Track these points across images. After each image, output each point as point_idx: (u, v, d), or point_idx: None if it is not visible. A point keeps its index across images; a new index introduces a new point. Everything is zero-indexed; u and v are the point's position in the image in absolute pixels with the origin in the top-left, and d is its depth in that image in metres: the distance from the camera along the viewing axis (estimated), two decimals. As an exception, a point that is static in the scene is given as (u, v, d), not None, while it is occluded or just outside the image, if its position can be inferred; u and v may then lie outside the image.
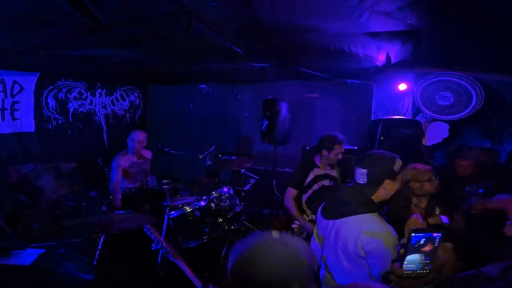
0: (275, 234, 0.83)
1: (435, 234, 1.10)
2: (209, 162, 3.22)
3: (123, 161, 3.53)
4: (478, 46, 2.20)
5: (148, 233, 1.53)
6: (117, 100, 5.02)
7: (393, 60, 2.78)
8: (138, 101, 5.29)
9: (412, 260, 1.11)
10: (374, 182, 1.57)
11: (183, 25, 2.02)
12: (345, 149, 3.06)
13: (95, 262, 2.41)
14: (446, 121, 2.70)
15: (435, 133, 2.83)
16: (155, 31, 2.26)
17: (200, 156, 3.23)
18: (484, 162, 2.76)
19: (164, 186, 2.94)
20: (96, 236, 2.60)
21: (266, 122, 4.13)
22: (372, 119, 4.19)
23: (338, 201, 1.65)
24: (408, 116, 3.38)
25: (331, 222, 1.64)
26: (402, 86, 3.39)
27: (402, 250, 1.13)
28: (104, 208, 3.36)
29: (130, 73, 4.39)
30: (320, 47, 2.40)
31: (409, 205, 1.99)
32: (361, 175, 1.59)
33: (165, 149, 4.17)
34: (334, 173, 2.98)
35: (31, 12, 1.77)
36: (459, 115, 2.39)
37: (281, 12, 1.79)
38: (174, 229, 2.83)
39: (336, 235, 1.61)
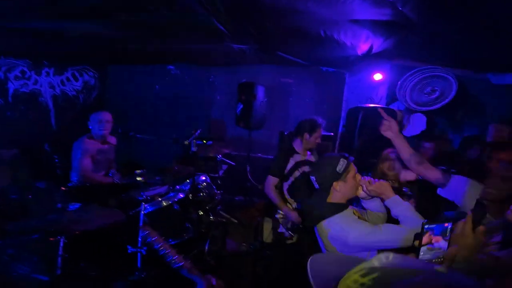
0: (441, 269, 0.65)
1: (446, 225, 1.13)
2: (194, 148, 2.96)
3: (90, 145, 3.12)
4: (457, 43, 2.32)
5: (152, 241, 1.21)
6: (68, 80, 4.48)
7: (374, 50, 2.82)
8: (94, 82, 4.76)
9: (426, 250, 1.14)
10: (325, 186, 1.63)
11: None
12: (323, 136, 3.09)
13: (59, 271, 2.08)
14: (424, 112, 2.87)
15: (415, 126, 3.00)
16: (128, 1, 1.95)
17: (186, 142, 2.94)
18: (444, 150, 3.01)
19: (138, 178, 2.62)
20: (54, 239, 2.18)
21: (241, 106, 3.99)
22: (344, 107, 4.30)
23: (310, 208, 1.71)
24: (382, 105, 3.53)
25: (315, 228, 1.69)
26: (378, 76, 3.49)
27: (417, 242, 1.14)
28: (59, 205, 2.94)
29: (85, 51, 3.87)
30: (312, 32, 2.32)
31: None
32: (313, 182, 1.66)
33: (130, 134, 3.80)
34: (313, 159, 2.97)
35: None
36: (437, 106, 2.57)
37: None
38: (150, 225, 2.57)
39: (322, 239, 1.66)
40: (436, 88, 2.13)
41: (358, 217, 1.64)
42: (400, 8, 1.77)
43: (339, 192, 1.61)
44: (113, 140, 3.46)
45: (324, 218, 1.60)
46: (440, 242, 1.13)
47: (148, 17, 2.23)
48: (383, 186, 1.62)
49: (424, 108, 3.00)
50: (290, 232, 2.77)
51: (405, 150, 1.79)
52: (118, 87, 4.92)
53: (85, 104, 4.71)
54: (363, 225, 1.56)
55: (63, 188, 3.07)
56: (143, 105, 4.98)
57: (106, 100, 4.91)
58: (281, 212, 2.78)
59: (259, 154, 4.57)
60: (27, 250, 2.53)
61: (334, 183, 1.60)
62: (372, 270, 0.62)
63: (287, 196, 2.85)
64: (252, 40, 2.91)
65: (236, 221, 3.67)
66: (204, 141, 3.70)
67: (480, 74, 3.08)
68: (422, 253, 1.14)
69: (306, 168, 2.85)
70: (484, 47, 2.29)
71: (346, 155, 1.66)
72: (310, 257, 0.81)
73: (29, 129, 4.09)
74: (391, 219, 1.65)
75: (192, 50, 3.59)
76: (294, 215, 2.68)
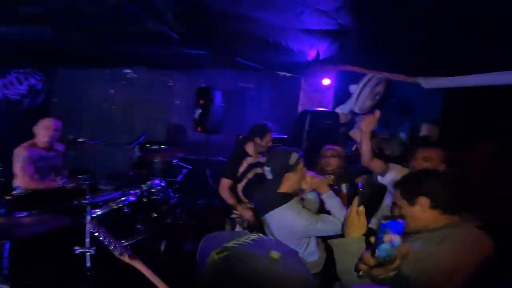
0: (274, 255, 0.79)
1: (399, 220, 1.00)
2: (139, 153, 2.96)
3: (31, 152, 2.95)
4: (387, 49, 2.60)
5: (95, 232, 1.33)
6: (11, 83, 4.22)
7: (321, 56, 3.04)
8: (40, 85, 4.50)
9: (383, 247, 1.00)
10: (277, 177, 1.80)
11: (109, 6, 1.79)
12: (276, 138, 3.25)
13: (5, 272, 2.01)
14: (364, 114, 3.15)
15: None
16: (71, 6, 1.93)
17: (129, 147, 2.92)
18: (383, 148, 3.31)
19: (82, 183, 2.56)
20: None
21: (199, 111, 4.02)
22: (299, 110, 4.52)
23: (262, 197, 1.87)
24: (329, 108, 3.80)
25: (264, 217, 1.85)
26: (326, 81, 3.76)
27: (373, 238, 1.03)
28: (2, 211, 2.79)
29: (30, 54, 3.68)
30: (260, 38, 2.46)
31: None
32: (267, 172, 1.82)
33: (79, 140, 3.65)
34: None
35: None
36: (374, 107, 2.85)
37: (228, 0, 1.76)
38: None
39: (270, 227, 1.82)
40: (378, 92, 2.41)
41: (302, 207, 1.82)
42: (334, 16, 1.96)
43: (290, 182, 1.78)
44: (60, 147, 3.31)
45: (274, 207, 1.75)
46: (397, 240, 1.01)
47: (94, 23, 2.22)
48: (322, 182, 1.85)
49: (368, 111, 3.28)
50: (247, 231, 2.86)
51: (366, 144, 2.11)
52: (68, 91, 4.69)
53: (31, 109, 4.44)
54: (307, 214, 1.74)
55: (7, 197, 2.90)
56: (96, 110, 4.78)
57: (54, 105, 4.65)
58: (236, 212, 2.86)
59: (220, 158, 4.61)
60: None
61: (286, 174, 1.77)
62: (226, 249, 0.77)
63: (242, 197, 2.95)
64: (207, 45, 2.99)
65: (196, 223, 3.68)
66: (162, 146, 3.69)
67: (411, 78, 3.44)
68: (378, 251, 1.00)
69: (258, 170, 2.97)
70: (415, 54, 2.60)
71: (296, 149, 1.85)
72: (204, 236, 0.90)
73: (-32, 135, 3.79)
74: (324, 212, 1.85)
75: (149, 53, 3.57)
76: (249, 214, 2.77)
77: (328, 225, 1.69)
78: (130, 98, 4.85)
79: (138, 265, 1.19)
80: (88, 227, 1.31)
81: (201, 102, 4.01)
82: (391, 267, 1.01)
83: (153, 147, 3.62)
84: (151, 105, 4.87)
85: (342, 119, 3.32)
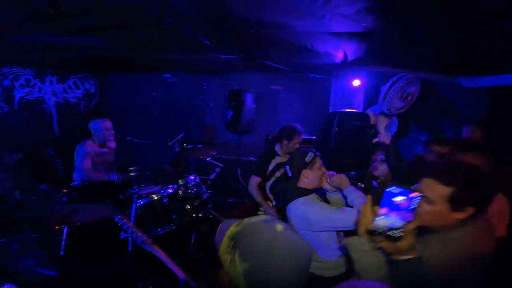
0: (279, 227, 0.87)
1: (411, 195, 0.91)
2: (177, 149, 3.25)
3: (91, 148, 3.40)
4: (420, 47, 2.52)
5: (121, 223, 1.53)
6: (70, 88, 4.78)
7: (349, 58, 3.04)
8: (94, 89, 5.05)
9: (381, 219, 0.94)
10: (295, 173, 1.94)
11: (153, 16, 2.02)
12: (305, 139, 3.30)
13: (62, 253, 2.34)
14: (396, 115, 3.05)
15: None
16: (120, 20, 2.20)
17: (169, 143, 3.24)
18: None
19: (132, 174, 2.88)
20: (58, 228, 2.49)
21: (232, 112, 4.21)
22: (330, 111, 4.51)
23: (282, 191, 2.03)
24: (360, 109, 3.74)
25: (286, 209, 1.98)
26: (356, 82, 3.71)
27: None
28: (64, 198, 3.23)
29: (86, 61, 4.16)
30: (286, 43, 2.55)
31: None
32: (287, 170, 1.98)
33: (128, 138, 4.04)
34: None
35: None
36: (406, 108, 2.75)
37: (252, 8, 1.89)
38: (142, 217, 2.85)
39: (289, 218, 1.94)
40: (409, 92, 2.33)
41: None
42: (356, 19, 1.99)
43: (306, 178, 1.92)
44: (112, 144, 3.71)
45: (292, 200, 1.89)
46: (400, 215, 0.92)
47: (139, 32, 2.49)
48: (342, 178, 1.93)
49: (398, 112, 3.18)
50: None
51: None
52: (117, 94, 5.20)
53: (86, 111, 4.99)
54: (322, 204, 1.85)
55: (64, 190, 3.34)
56: (141, 112, 5.24)
57: (105, 107, 5.18)
58: (262, 209, 2.99)
59: (251, 158, 4.77)
60: (32, 245, 2.80)
61: (303, 171, 1.91)
62: (241, 223, 0.90)
63: (269, 194, 3.06)
64: (238, 51, 3.16)
65: (225, 218, 3.87)
66: (197, 145, 3.96)
67: (452, 78, 3.26)
68: (378, 219, 0.94)
69: (285, 170, 3.06)
70: (454, 52, 2.48)
71: (314, 150, 1.99)
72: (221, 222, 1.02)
73: (34, 134, 4.36)
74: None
75: (185, 59, 3.84)
76: (273, 212, 2.88)
77: (343, 215, 1.72)
78: (169, 101, 5.24)
79: (158, 253, 1.34)
80: (116, 218, 1.49)
81: (233, 104, 4.20)
82: (400, 245, 0.93)
83: (189, 146, 3.90)
84: (187, 107, 5.21)
85: (372, 120, 3.25)
